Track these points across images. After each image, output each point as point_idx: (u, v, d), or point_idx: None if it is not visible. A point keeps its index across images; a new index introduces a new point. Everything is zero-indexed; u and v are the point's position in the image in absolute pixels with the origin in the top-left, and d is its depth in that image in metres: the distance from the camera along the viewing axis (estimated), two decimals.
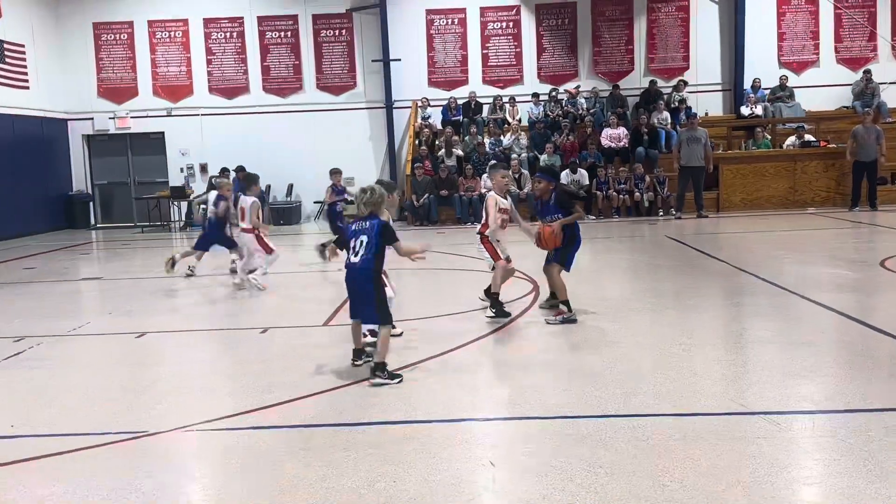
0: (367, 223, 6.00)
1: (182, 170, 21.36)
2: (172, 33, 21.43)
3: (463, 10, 21.31)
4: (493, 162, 13.50)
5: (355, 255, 5.90)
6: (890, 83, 20.82)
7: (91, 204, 21.93)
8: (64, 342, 7.65)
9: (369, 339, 6.34)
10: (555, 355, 6.28)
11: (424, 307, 8.61)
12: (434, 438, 4.54)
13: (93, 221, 21.89)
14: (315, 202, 21.28)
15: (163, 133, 21.61)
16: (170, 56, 21.46)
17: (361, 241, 5.92)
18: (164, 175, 21.46)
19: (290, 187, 21.26)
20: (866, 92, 20.44)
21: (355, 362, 6.14)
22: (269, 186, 21.05)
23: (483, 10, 21.31)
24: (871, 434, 4.32)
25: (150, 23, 21.36)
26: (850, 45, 21.25)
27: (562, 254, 7.59)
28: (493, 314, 7.68)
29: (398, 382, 5.64)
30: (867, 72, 20.61)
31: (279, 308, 9.11)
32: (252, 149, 20.60)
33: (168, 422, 5.01)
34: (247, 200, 10.28)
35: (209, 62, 21.45)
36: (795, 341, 6.41)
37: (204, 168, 21.26)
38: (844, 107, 20.78)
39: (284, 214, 20.34)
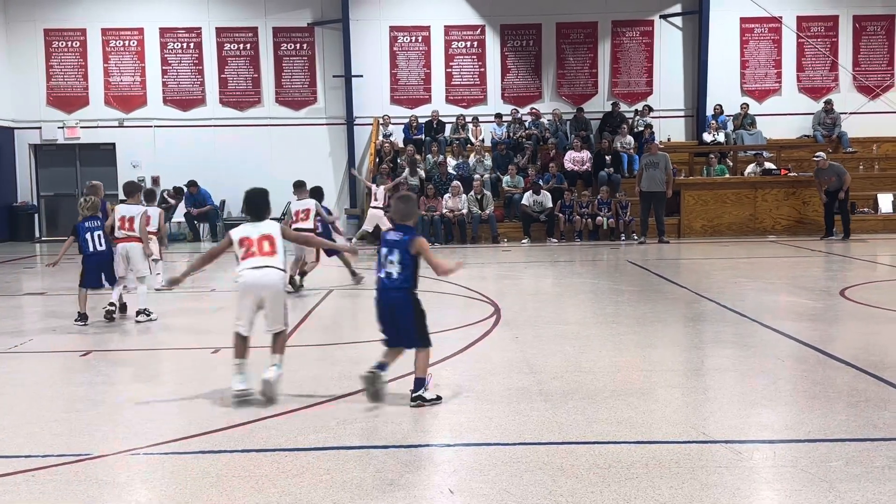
0: (97, 222, 8.96)
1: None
2: (127, 42, 21.07)
3: (427, 28, 21.32)
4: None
5: (100, 245, 8.88)
6: (851, 113, 21.27)
7: (36, 216, 21.29)
8: (4, 360, 7.34)
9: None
10: (515, 380, 6.18)
11: None
12: (390, 465, 4.41)
13: (37, 234, 21.23)
14: (271, 218, 20.94)
15: (114, 144, 21.17)
16: (123, 65, 21.07)
17: (98, 236, 8.87)
18: (114, 187, 20.75)
19: None
20: (827, 123, 20.86)
21: None
22: (223, 202, 20.76)
23: (447, 29, 21.34)
24: (832, 464, 4.29)
25: (104, 31, 20.97)
26: (812, 74, 21.70)
27: None
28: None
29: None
30: (828, 102, 21.03)
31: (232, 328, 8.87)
32: (207, 163, 20.32)
33: (112, 445, 4.80)
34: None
35: (164, 73, 21.11)
36: (756, 369, 6.40)
37: (156, 181, 20.83)
38: (805, 136, 21.17)
39: None
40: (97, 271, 8.97)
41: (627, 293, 10.60)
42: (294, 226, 10.72)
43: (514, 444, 4.72)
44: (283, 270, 5.94)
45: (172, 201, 20.17)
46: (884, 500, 3.82)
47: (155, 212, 10.74)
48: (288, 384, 6.12)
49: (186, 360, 7.39)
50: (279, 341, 5.93)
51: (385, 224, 13.31)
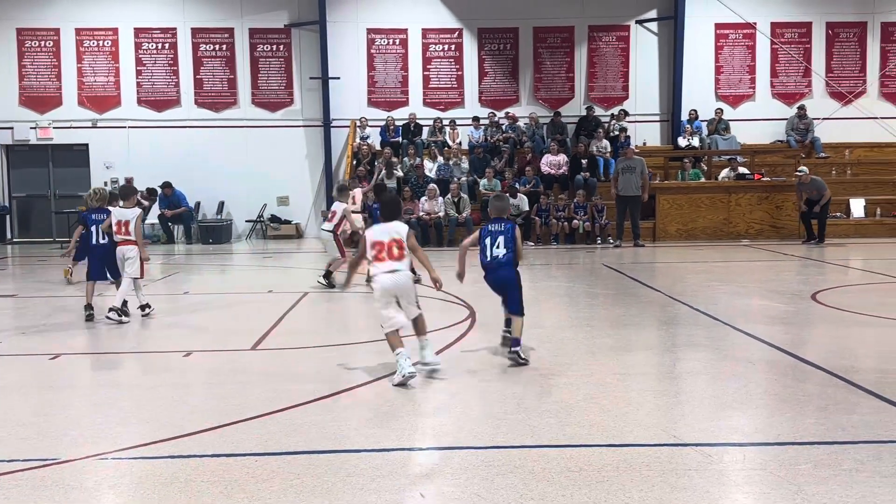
0: (104, 215, 9.14)
1: (106, 183, 20.51)
2: (101, 42, 20.89)
3: (405, 31, 21.32)
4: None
5: (104, 238, 9.13)
6: (823, 119, 21.53)
7: (7, 217, 21.05)
8: None
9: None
10: (488, 383, 6.18)
11: (358, 332, 8.45)
12: (362, 469, 4.38)
13: (9, 235, 21.00)
14: (247, 220, 20.88)
15: (87, 145, 20.99)
16: (97, 65, 20.90)
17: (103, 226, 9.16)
18: (87, 188, 20.58)
19: (222, 205, 20.85)
20: (800, 128, 21.09)
21: None
22: (198, 203, 20.62)
23: (425, 32, 21.37)
24: (801, 467, 4.32)
25: (78, 30, 20.79)
26: (786, 80, 21.95)
27: None
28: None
29: None
30: (801, 107, 21.27)
31: (205, 330, 8.82)
32: (182, 164, 20.18)
33: (81, 449, 4.74)
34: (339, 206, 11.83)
35: (139, 73, 20.96)
36: (727, 372, 6.44)
37: (129, 182, 20.62)
38: (779, 141, 21.40)
39: (214, 233, 19.85)
40: (101, 264, 9.26)
41: (602, 296, 10.64)
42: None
43: (487, 447, 4.71)
44: (412, 271, 6.61)
45: (146, 203, 20.00)
46: (851, 502, 3.85)
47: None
48: (259, 388, 6.10)
49: (157, 363, 7.32)
50: (420, 324, 6.52)
51: (357, 225, 13.24)
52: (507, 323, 7.10)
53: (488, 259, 6.99)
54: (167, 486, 4.18)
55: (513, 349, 6.74)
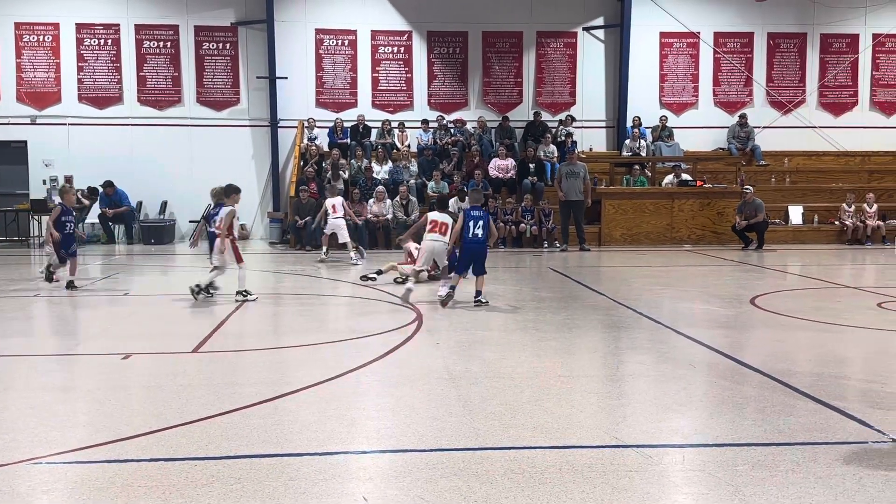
0: (219, 209, 10.68)
1: (45, 182, 20.09)
2: (41, 37, 20.37)
3: (353, 32, 21.24)
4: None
5: (211, 227, 10.94)
6: (764, 127, 22.04)
7: None
8: None
9: None
10: (434, 386, 6.17)
11: (303, 334, 8.37)
12: (304, 473, 4.33)
13: None
14: (191, 221, 20.54)
15: (25, 142, 20.39)
16: (37, 61, 20.36)
17: (213, 220, 10.85)
18: (25, 187, 20.16)
19: (164, 205, 20.47)
20: (741, 136, 21.58)
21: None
22: (140, 203, 20.24)
23: (374, 34, 21.31)
24: (739, 468, 4.39)
25: (18, 24, 20.24)
26: (728, 89, 22.43)
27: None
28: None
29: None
30: (742, 116, 21.75)
31: (145, 333, 8.65)
32: (124, 163, 19.75)
33: (14, 454, 4.60)
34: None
35: (80, 69, 20.47)
36: (668, 375, 6.53)
37: (69, 181, 20.12)
38: (720, 148, 21.85)
39: (156, 233, 19.48)
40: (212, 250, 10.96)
41: (548, 300, 10.73)
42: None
43: (431, 450, 4.70)
44: (447, 243, 10.20)
45: (87, 202, 19.55)
46: (787, 503, 3.93)
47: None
48: (200, 391, 6.00)
49: (96, 366, 7.15)
50: (444, 271, 10.24)
51: (342, 230, 15.36)
52: (452, 288, 9.76)
53: (470, 237, 9.79)
54: (103, 491, 4.08)
55: (477, 299, 9.78)
